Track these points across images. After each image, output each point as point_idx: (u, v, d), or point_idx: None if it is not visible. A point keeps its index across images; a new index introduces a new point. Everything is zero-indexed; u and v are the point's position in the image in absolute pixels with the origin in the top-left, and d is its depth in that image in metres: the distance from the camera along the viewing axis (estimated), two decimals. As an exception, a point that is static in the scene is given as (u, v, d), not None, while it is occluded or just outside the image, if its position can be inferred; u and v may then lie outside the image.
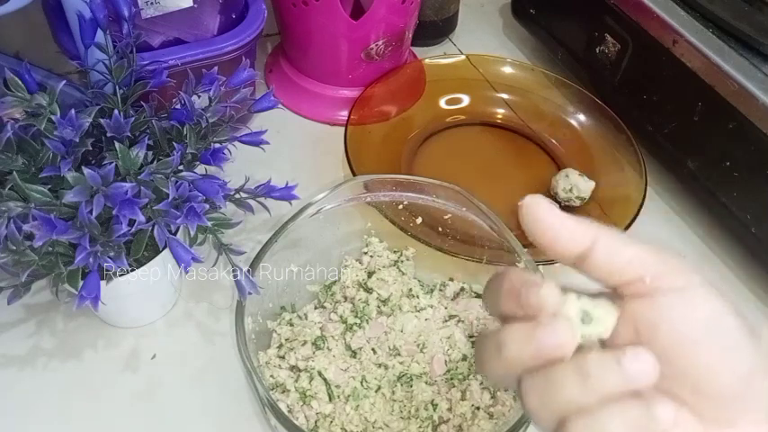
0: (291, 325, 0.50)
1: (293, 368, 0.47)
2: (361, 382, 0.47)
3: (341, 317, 0.50)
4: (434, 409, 0.46)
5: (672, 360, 0.25)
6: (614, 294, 0.27)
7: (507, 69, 0.72)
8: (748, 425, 0.25)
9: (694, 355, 0.25)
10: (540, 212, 0.27)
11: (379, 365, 0.48)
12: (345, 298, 0.52)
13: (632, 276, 0.26)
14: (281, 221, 0.47)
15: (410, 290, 0.52)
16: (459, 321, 0.51)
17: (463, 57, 0.73)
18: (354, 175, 0.58)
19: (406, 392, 0.47)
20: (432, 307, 0.52)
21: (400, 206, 0.53)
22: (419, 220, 0.54)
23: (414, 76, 0.71)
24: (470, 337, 0.50)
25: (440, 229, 0.54)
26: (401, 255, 0.54)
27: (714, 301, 0.25)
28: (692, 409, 0.25)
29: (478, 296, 0.52)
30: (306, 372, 0.47)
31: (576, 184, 0.60)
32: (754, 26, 0.54)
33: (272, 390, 0.46)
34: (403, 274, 0.53)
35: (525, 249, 0.46)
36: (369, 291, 0.51)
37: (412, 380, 0.48)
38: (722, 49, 0.54)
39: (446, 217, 0.53)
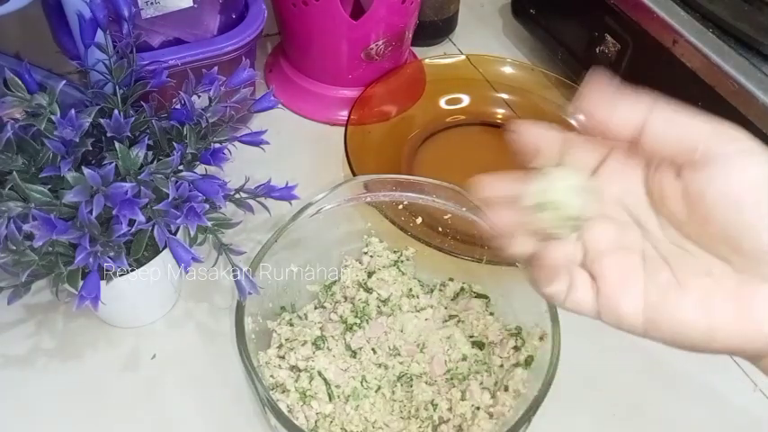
0: (291, 325, 0.49)
1: (293, 368, 0.47)
2: (361, 382, 0.47)
3: (341, 317, 0.50)
4: (434, 409, 0.46)
5: (715, 220, 0.26)
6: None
7: (507, 69, 0.72)
8: None
9: (737, 214, 0.26)
10: (592, 104, 0.27)
11: (379, 365, 0.48)
12: (345, 298, 0.52)
13: (685, 148, 0.27)
14: (281, 221, 0.47)
15: (410, 290, 0.52)
16: (459, 321, 0.51)
17: (463, 57, 0.73)
18: (354, 175, 0.57)
19: (406, 392, 0.47)
20: (432, 307, 0.52)
21: (400, 206, 0.53)
22: (419, 220, 0.54)
23: (414, 76, 0.71)
24: (470, 336, 0.50)
25: (440, 229, 0.54)
26: (401, 255, 0.54)
27: (765, 164, 0.26)
28: (728, 263, 0.27)
29: (479, 296, 0.52)
30: (306, 372, 0.46)
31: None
32: (754, 26, 0.54)
33: (272, 390, 0.46)
34: (403, 274, 0.53)
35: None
36: (369, 291, 0.51)
37: (412, 380, 0.48)
38: (722, 49, 0.54)
39: (446, 217, 0.53)
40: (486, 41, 0.81)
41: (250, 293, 0.43)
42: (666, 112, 0.27)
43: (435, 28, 0.79)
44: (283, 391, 0.46)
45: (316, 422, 0.45)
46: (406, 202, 0.52)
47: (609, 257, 0.30)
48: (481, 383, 0.47)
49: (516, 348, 0.48)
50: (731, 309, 0.27)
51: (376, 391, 0.47)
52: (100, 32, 0.45)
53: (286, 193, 0.47)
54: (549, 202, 0.29)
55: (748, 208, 0.26)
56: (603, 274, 0.29)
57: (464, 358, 0.49)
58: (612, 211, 0.31)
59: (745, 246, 0.26)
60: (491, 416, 0.45)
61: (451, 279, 0.54)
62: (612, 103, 0.27)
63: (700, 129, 0.27)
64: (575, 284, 0.30)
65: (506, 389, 0.46)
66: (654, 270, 0.29)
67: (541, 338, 0.45)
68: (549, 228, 0.29)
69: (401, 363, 0.49)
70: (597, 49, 0.67)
